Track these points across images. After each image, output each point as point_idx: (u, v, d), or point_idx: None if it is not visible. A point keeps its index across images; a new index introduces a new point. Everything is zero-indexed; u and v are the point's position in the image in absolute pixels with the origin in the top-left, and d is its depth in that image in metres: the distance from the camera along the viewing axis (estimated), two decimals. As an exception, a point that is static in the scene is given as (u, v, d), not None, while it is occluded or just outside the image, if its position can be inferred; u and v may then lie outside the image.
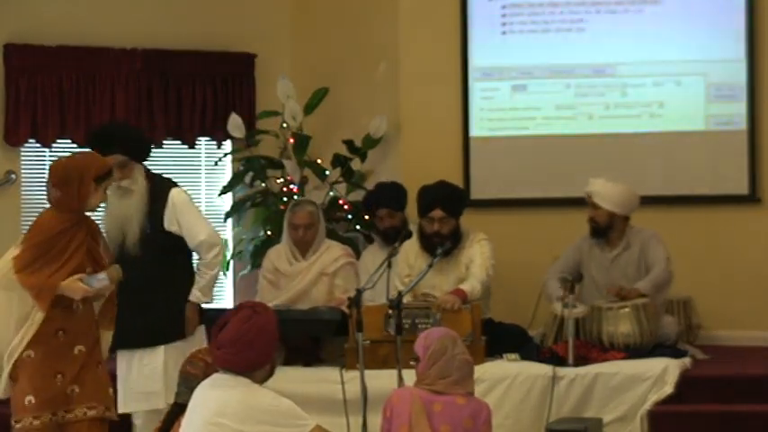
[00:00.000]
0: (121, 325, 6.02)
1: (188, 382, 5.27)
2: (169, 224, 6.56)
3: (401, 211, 7.82)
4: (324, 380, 6.92)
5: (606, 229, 7.44)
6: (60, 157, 6.00)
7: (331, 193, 8.80)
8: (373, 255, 7.81)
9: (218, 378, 5.03)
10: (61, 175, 5.67)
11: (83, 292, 5.63)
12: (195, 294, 6.59)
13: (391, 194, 7.86)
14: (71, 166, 5.72)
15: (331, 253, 7.61)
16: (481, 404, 5.54)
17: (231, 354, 4.97)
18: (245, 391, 4.92)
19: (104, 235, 6.12)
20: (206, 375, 5.19)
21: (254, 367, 5.01)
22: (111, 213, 6.52)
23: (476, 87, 8.79)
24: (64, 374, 5.66)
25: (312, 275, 7.54)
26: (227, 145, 9.11)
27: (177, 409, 5.28)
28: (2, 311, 5.62)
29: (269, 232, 8.57)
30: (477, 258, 7.28)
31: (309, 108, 8.79)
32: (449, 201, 7.32)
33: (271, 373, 5.09)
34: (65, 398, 5.67)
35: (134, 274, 6.16)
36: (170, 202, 6.56)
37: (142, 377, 6.55)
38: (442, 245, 7.13)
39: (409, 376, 5.81)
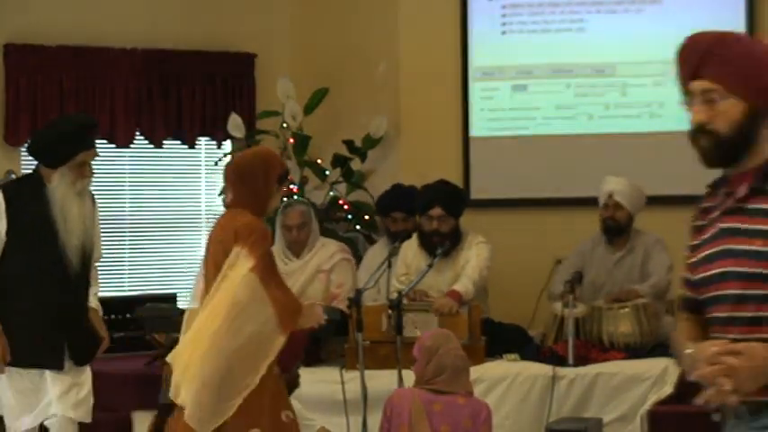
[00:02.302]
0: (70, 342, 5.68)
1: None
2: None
3: (414, 216, 7.82)
4: (324, 380, 6.91)
5: (624, 229, 7.43)
6: (237, 153, 5.43)
7: (331, 193, 8.80)
8: (378, 253, 7.83)
9: None
10: (245, 172, 4.94)
11: (319, 320, 5.07)
12: (98, 304, 6.11)
13: (410, 199, 7.82)
14: (255, 161, 5.01)
15: (326, 250, 7.61)
16: (481, 404, 5.54)
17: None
18: None
19: (66, 248, 5.72)
20: None
21: (286, 370, 5.02)
22: (75, 219, 5.77)
23: (476, 87, 8.79)
24: (288, 408, 4.98)
25: (308, 273, 7.54)
26: (227, 145, 9.11)
27: (168, 408, 5.32)
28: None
29: (269, 232, 8.58)
30: (472, 260, 7.27)
31: (309, 108, 8.79)
32: (449, 199, 7.32)
33: (293, 384, 5.08)
34: None
35: (80, 292, 5.88)
36: (95, 207, 6.06)
37: (81, 395, 5.89)
38: (442, 245, 7.13)
39: (409, 376, 5.82)
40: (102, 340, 5.99)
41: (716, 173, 3.26)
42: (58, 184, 5.72)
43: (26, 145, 6.00)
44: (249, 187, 4.88)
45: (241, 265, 4.76)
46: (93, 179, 5.92)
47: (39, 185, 5.76)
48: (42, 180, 5.78)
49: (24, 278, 5.73)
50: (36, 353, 5.71)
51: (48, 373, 5.72)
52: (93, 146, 5.83)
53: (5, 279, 5.75)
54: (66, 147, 5.70)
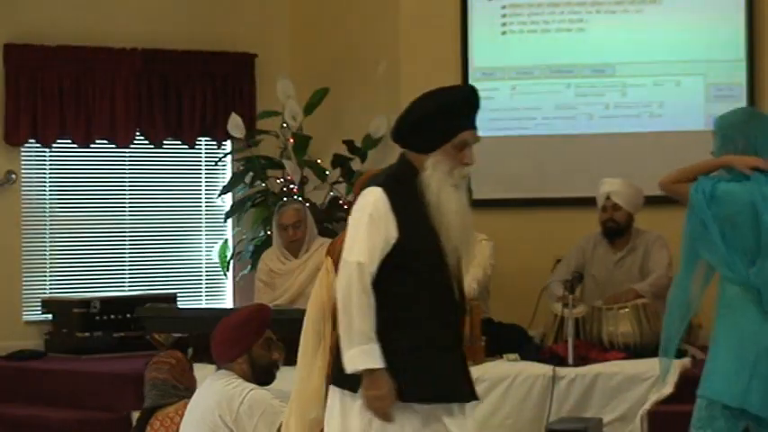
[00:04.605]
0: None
1: (158, 387, 5.41)
2: None
3: None
4: (324, 380, 6.90)
5: (624, 229, 7.43)
6: None
7: (331, 194, 8.81)
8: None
9: (212, 374, 5.14)
10: None
11: None
12: None
13: None
14: None
15: (325, 250, 7.61)
16: None
17: (213, 345, 5.10)
18: (221, 384, 5.01)
19: (446, 253, 4.54)
20: (173, 376, 5.34)
21: (226, 357, 5.08)
22: (453, 217, 4.63)
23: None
24: None
25: (307, 273, 7.54)
26: (228, 145, 9.12)
27: (148, 414, 5.41)
28: None
29: (269, 232, 8.57)
30: (476, 258, 7.27)
31: (309, 108, 8.80)
32: None
33: (256, 370, 5.12)
34: None
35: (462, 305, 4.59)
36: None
37: None
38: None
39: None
40: None
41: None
42: (433, 173, 4.51)
43: (394, 131, 4.64)
44: None
45: None
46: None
47: (412, 176, 4.51)
48: (414, 169, 4.52)
49: (418, 298, 4.42)
50: (442, 383, 4.36)
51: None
52: (475, 125, 4.71)
53: (404, 311, 4.39)
54: (444, 124, 4.61)
